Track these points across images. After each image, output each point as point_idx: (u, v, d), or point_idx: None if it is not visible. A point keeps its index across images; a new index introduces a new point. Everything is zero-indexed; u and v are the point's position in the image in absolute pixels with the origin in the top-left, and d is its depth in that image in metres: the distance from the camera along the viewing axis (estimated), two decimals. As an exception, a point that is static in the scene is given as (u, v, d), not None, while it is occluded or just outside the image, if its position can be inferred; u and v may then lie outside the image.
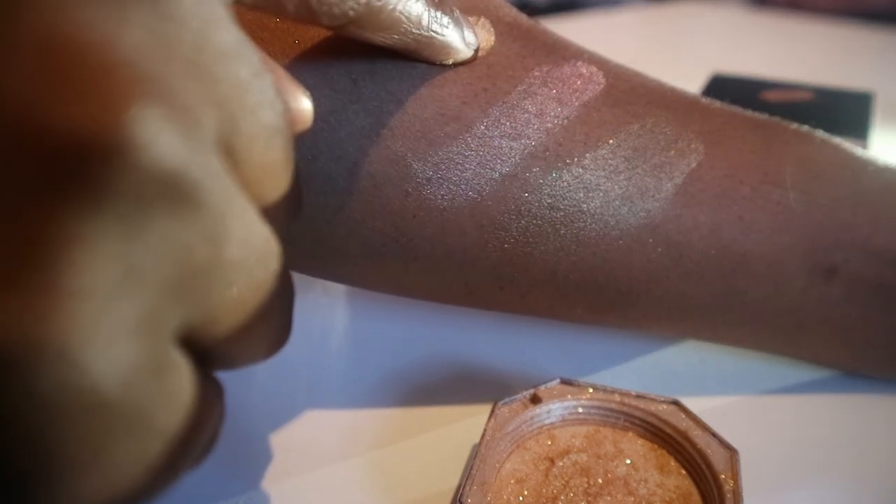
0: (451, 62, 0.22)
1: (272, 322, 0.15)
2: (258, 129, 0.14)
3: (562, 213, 0.21)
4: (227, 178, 0.13)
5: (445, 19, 0.21)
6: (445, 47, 0.21)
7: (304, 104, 0.16)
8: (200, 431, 0.13)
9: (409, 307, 0.28)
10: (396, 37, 0.20)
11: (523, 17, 0.24)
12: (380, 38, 0.20)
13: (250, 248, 0.13)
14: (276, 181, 0.15)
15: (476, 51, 0.22)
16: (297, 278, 0.31)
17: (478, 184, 0.21)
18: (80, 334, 0.11)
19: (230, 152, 0.13)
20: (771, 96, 0.39)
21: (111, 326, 0.11)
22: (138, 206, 0.11)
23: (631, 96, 0.23)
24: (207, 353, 0.14)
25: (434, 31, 0.20)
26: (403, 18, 0.19)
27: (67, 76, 0.11)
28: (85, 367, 0.11)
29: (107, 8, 0.12)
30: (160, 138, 0.11)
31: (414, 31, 0.20)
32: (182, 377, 0.13)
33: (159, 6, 0.12)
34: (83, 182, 0.11)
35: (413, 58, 0.21)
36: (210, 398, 0.14)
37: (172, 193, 0.12)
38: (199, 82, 0.12)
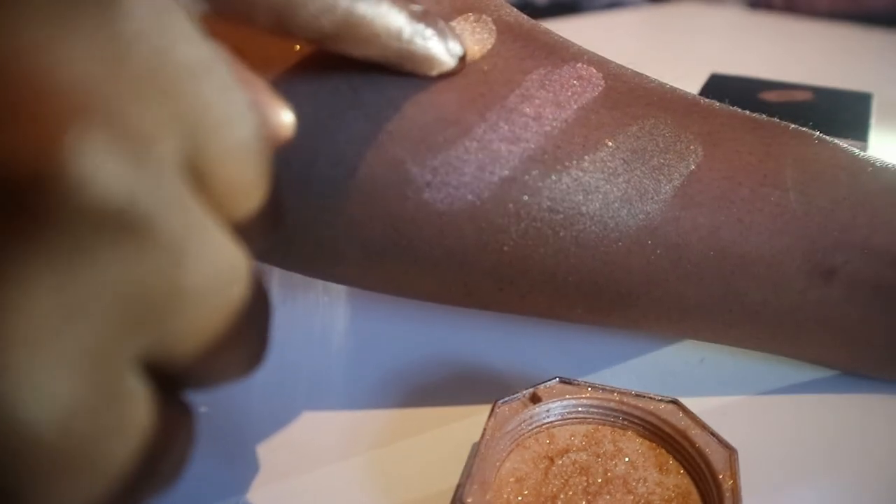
0: (434, 73, 0.21)
1: (244, 343, 0.14)
2: (227, 146, 0.13)
3: (561, 216, 0.21)
4: (188, 200, 0.12)
5: (429, 31, 0.20)
6: (428, 60, 0.21)
7: (285, 117, 0.16)
8: (162, 457, 0.13)
9: (409, 307, 0.28)
10: (376, 50, 0.19)
11: (524, 18, 0.24)
12: (359, 51, 0.19)
13: (214, 272, 0.13)
14: (249, 197, 0.14)
15: (462, 60, 0.22)
16: (297, 278, 0.31)
17: (477, 187, 0.21)
18: (11, 377, 0.10)
19: (195, 172, 0.13)
20: (770, 96, 0.39)
21: (48, 365, 0.11)
22: (80, 240, 0.11)
23: (630, 98, 0.23)
24: (173, 377, 0.13)
25: (416, 45, 0.20)
26: (383, 33, 0.19)
27: (4, 102, 0.10)
28: (16, 409, 0.10)
29: (48, 28, 0.11)
30: (103, 167, 0.11)
31: (395, 45, 0.20)
32: (137, 406, 0.12)
33: (108, 25, 0.11)
34: (17, 216, 0.10)
35: (395, 70, 0.21)
36: (175, 422, 0.13)
37: (119, 225, 0.11)
38: (156, 102, 0.12)
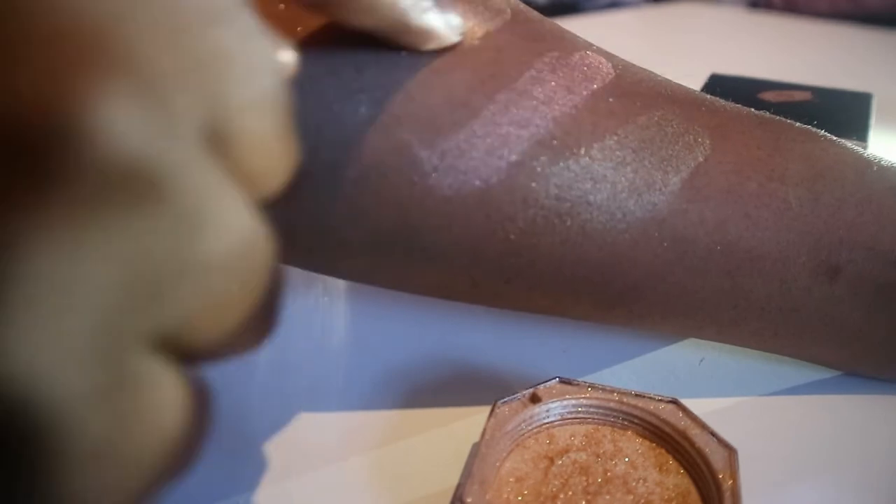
0: (432, 47, 0.21)
1: (261, 319, 0.13)
2: (250, 99, 0.12)
3: (568, 204, 0.21)
4: (209, 166, 0.11)
5: (425, 3, 0.20)
6: (424, 33, 0.20)
7: (288, 56, 0.15)
8: (188, 442, 0.12)
9: (409, 307, 0.28)
10: (372, 20, 0.19)
11: (532, 11, 0.24)
12: (356, 20, 0.19)
13: (236, 246, 0.12)
14: (275, 160, 0.13)
15: (464, 34, 0.21)
16: (297, 278, 0.31)
17: (485, 172, 0.21)
18: (22, 361, 0.09)
19: (217, 132, 0.12)
20: (770, 97, 0.39)
21: (58, 346, 0.10)
22: (94, 199, 0.10)
23: (639, 88, 0.23)
24: (193, 356, 0.12)
25: (412, 18, 0.20)
26: (378, 2, 0.19)
27: (15, 41, 0.09)
28: (28, 399, 0.10)
29: None
30: (123, 119, 0.10)
31: (390, 15, 0.19)
32: (163, 389, 0.11)
33: None
34: (30, 167, 0.09)
35: (394, 44, 0.20)
36: (197, 403, 0.12)
37: (135, 186, 0.10)
38: (176, 49, 0.11)
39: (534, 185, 0.21)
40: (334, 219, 0.21)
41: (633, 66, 0.24)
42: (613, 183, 0.21)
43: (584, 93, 0.22)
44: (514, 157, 0.21)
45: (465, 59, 0.21)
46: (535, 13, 0.24)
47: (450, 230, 0.21)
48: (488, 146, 0.21)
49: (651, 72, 0.24)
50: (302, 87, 0.20)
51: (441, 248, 0.22)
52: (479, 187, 0.21)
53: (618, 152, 0.21)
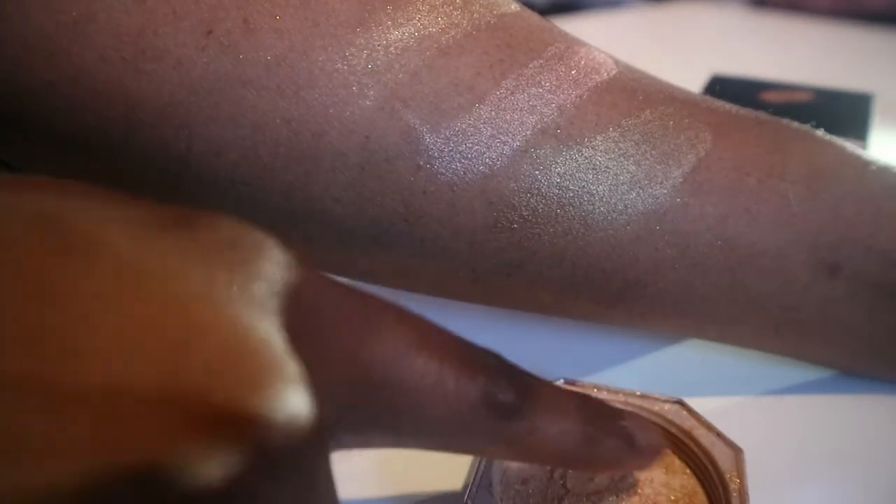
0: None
1: None
2: None
3: (571, 194, 0.21)
4: None
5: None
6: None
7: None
8: None
9: (409, 307, 0.28)
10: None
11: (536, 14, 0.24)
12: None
13: None
14: None
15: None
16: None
17: (489, 157, 0.21)
18: None
19: None
20: (771, 97, 0.39)
21: None
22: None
23: (640, 86, 0.23)
24: None
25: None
26: None
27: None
28: None
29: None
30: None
31: None
32: None
33: None
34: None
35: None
36: None
37: None
38: None
39: (537, 173, 0.21)
40: (339, 206, 0.21)
41: (634, 68, 0.24)
42: (616, 174, 0.21)
43: (590, 84, 0.22)
44: (517, 144, 0.21)
45: (474, 42, 0.21)
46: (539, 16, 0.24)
47: (453, 218, 0.21)
48: (493, 131, 0.21)
49: (650, 74, 0.24)
50: (311, 72, 0.20)
51: (444, 238, 0.22)
52: (483, 173, 0.21)
53: (620, 144, 0.21)
